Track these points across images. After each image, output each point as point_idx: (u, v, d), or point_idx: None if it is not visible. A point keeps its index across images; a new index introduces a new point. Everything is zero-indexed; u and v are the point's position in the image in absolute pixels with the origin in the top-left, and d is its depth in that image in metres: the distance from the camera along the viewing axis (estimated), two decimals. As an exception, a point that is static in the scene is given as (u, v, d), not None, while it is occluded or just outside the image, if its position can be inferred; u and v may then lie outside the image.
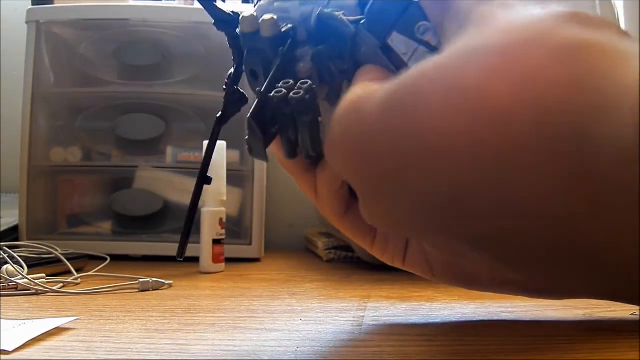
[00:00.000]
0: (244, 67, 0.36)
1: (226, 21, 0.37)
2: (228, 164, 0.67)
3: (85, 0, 0.82)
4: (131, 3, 0.84)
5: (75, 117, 0.80)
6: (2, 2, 1.01)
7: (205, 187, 0.66)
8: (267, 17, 0.33)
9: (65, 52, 0.80)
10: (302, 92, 0.30)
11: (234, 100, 0.39)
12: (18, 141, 0.78)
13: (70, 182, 0.80)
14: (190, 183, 0.76)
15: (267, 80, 0.31)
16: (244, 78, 0.37)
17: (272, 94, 0.30)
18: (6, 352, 0.30)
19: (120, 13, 0.79)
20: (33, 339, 0.32)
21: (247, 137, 0.31)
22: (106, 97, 0.79)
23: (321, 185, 0.35)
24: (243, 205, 0.78)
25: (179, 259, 0.40)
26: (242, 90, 0.39)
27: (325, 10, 0.33)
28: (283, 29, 0.33)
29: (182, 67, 0.80)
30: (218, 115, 0.39)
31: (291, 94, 0.30)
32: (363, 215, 0.29)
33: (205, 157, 0.41)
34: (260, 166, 0.77)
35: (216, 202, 0.66)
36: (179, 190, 0.78)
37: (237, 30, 0.35)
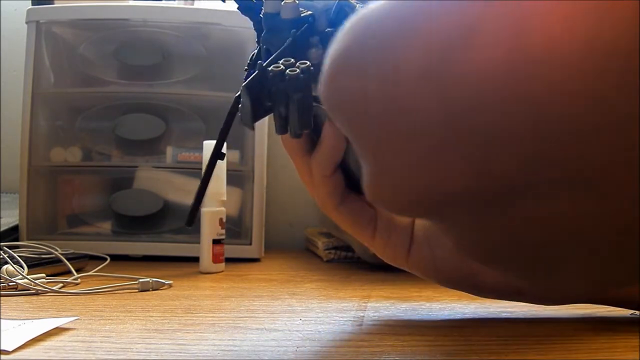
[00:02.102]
0: (260, 44, 0.36)
1: (250, 8, 0.37)
2: (228, 164, 0.67)
3: (85, 0, 0.82)
4: (131, 3, 0.84)
5: (75, 117, 0.80)
6: (2, 2, 1.01)
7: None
8: (289, 1, 0.34)
9: (65, 52, 0.80)
10: (298, 70, 0.30)
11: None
12: (18, 141, 0.78)
13: (70, 182, 0.80)
14: (190, 183, 0.76)
15: (272, 57, 0.32)
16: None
17: (270, 68, 0.31)
18: (6, 352, 0.30)
19: (120, 13, 0.79)
20: (33, 339, 0.32)
21: (240, 105, 0.32)
22: (106, 97, 0.79)
23: (315, 169, 0.35)
24: (243, 205, 0.78)
25: (187, 226, 0.41)
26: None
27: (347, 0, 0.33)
28: (303, 14, 0.34)
29: (182, 67, 0.80)
30: (236, 95, 0.40)
31: (287, 70, 0.31)
32: (367, 195, 0.25)
33: (220, 135, 0.42)
34: (260, 166, 0.77)
35: (216, 202, 0.66)
36: (179, 190, 0.78)
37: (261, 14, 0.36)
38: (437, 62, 0.19)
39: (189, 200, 0.77)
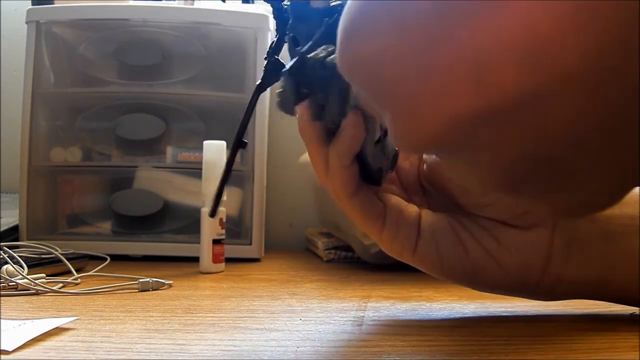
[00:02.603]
0: (287, 33, 0.36)
1: None
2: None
3: (85, 0, 0.82)
4: (131, 3, 0.84)
5: (75, 117, 0.80)
6: (2, 2, 1.01)
7: (205, 187, 0.66)
8: None
9: (65, 52, 0.80)
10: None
11: (274, 70, 0.39)
12: (18, 141, 0.78)
13: (70, 182, 0.80)
14: (190, 183, 0.76)
15: (309, 44, 0.32)
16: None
17: (310, 55, 0.30)
18: (6, 352, 0.30)
19: (120, 13, 0.79)
20: (33, 339, 0.32)
21: (279, 91, 0.32)
22: (106, 97, 0.79)
23: (333, 159, 0.35)
24: (243, 205, 0.78)
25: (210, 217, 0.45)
26: (282, 61, 0.39)
27: None
28: (332, 4, 0.33)
29: (182, 67, 0.80)
30: (257, 83, 0.40)
31: (328, 58, 0.30)
32: (395, 142, 0.25)
33: (242, 123, 0.42)
34: (260, 166, 0.77)
35: (216, 202, 0.66)
36: (179, 190, 0.78)
37: (284, 2, 0.36)
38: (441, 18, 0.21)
39: (189, 200, 0.77)
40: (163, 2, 0.85)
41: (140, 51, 0.78)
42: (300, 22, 0.35)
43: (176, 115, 0.79)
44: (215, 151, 0.66)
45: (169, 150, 0.78)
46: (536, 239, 0.36)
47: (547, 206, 0.26)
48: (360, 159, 0.35)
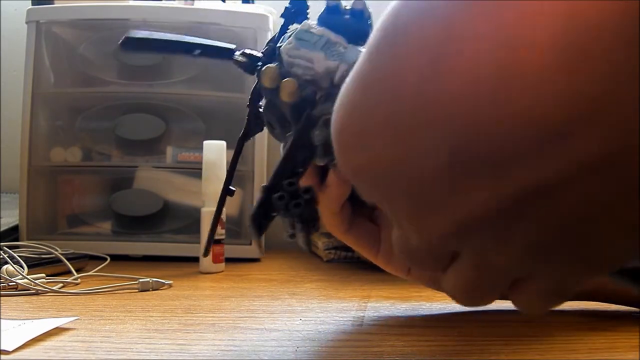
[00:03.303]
0: (263, 114, 0.37)
1: (246, 64, 0.37)
2: (228, 164, 0.67)
3: (85, 0, 0.82)
4: (131, 3, 0.84)
5: (75, 117, 0.80)
6: (2, 2, 1.01)
7: (205, 187, 0.66)
8: (288, 83, 0.33)
9: (65, 52, 0.80)
10: (302, 203, 0.31)
11: (257, 122, 0.40)
12: (18, 141, 0.78)
13: (70, 182, 0.80)
14: (190, 183, 0.76)
15: (272, 176, 0.33)
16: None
17: (275, 196, 0.32)
18: (6, 352, 0.30)
19: (120, 13, 0.79)
20: (33, 339, 0.32)
21: (249, 225, 0.33)
22: (106, 97, 0.79)
23: (323, 207, 0.36)
24: (243, 205, 0.78)
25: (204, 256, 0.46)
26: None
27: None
28: (303, 94, 0.33)
29: (182, 67, 0.80)
30: (241, 134, 0.41)
31: (291, 204, 0.31)
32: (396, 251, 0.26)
33: (228, 172, 0.43)
34: (260, 166, 0.77)
35: (216, 202, 0.66)
36: (179, 190, 0.78)
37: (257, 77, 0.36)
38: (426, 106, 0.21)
39: (189, 200, 0.77)
40: (163, 2, 0.85)
41: (140, 51, 0.78)
42: (272, 109, 0.35)
43: (176, 115, 0.79)
44: (215, 151, 0.66)
45: (169, 150, 0.78)
46: None
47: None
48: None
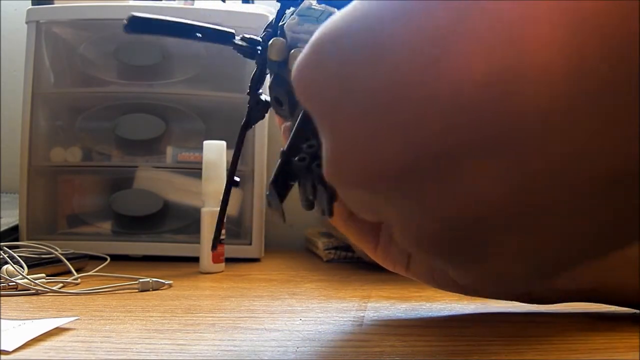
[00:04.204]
0: (269, 92, 0.36)
1: (245, 49, 0.37)
2: (228, 164, 0.67)
3: (85, 0, 0.82)
4: (131, 3, 0.84)
5: (75, 117, 0.80)
6: (2, 2, 1.01)
7: (205, 187, 0.66)
8: (296, 52, 0.33)
9: (65, 52, 0.80)
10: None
11: (258, 109, 0.40)
12: (18, 141, 0.78)
13: (70, 182, 0.80)
14: (190, 183, 0.76)
15: (290, 140, 0.32)
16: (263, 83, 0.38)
17: (295, 159, 0.31)
18: (6, 352, 0.30)
19: (120, 13, 0.78)
20: (33, 339, 0.32)
21: (267, 194, 0.33)
22: (106, 97, 0.79)
23: None
24: (243, 205, 0.78)
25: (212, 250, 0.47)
26: (265, 99, 0.39)
27: None
28: None
29: (182, 67, 0.80)
30: (242, 122, 0.40)
31: (314, 165, 0.30)
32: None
33: (232, 162, 0.43)
34: (260, 166, 0.77)
35: (216, 202, 0.66)
36: (179, 190, 0.78)
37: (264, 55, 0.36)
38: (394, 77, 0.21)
39: (189, 200, 0.77)
40: (163, 2, 0.85)
41: (140, 51, 0.78)
42: (280, 82, 0.35)
43: (176, 115, 0.79)
44: (215, 151, 0.66)
45: (169, 150, 0.78)
46: None
47: (467, 273, 0.26)
48: None
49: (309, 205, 0.32)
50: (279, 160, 0.32)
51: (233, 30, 0.39)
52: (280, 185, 0.32)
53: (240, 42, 0.37)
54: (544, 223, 0.22)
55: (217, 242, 0.48)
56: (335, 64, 0.22)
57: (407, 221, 0.24)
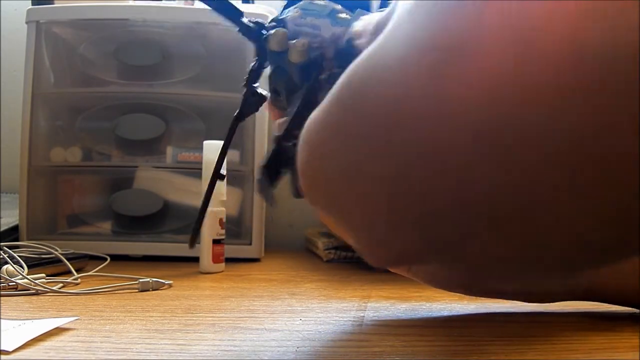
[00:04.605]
0: (268, 82, 0.36)
1: (251, 30, 0.37)
2: (228, 164, 0.67)
3: (85, 0, 0.82)
4: (131, 3, 0.84)
5: (75, 117, 0.80)
6: (2, 2, 1.01)
7: (205, 187, 0.66)
8: (298, 43, 0.33)
9: (65, 52, 0.80)
10: None
11: (253, 100, 0.39)
12: (18, 141, 0.78)
13: (70, 182, 0.80)
14: (190, 183, 0.76)
15: (285, 127, 0.32)
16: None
17: (289, 144, 0.31)
18: (6, 352, 0.30)
19: (120, 13, 0.79)
20: (33, 339, 0.32)
21: (258, 178, 0.33)
22: (106, 97, 0.79)
23: None
24: (243, 205, 0.78)
25: (190, 248, 0.45)
26: (260, 91, 0.39)
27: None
28: (311, 55, 0.33)
29: (182, 67, 0.80)
30: (236, 113, 0.40)
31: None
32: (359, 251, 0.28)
33: (220, 154, 0.43)
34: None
35: (216, 202, 0.66)
36: (179, 190, 0.78)
37: (266, 43, 0.36)
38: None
39: (189, 200, 0.77)
40: (163, 2, 0.85)
41: (140, 51, 0.78)
42: (279, 74, 0.35)
43: (176, 115, 0.79)
44: (215, 151, 0.66)
45: (169, 150, 0.78)
46: None
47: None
48: None
49: (298, 194, 0.32)
50: (272, 146, 0.32)
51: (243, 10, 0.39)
52: (271, 170, 0.32)
53: (248, 22, 0.37)
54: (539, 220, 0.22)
55: (195, 237, 0.46)
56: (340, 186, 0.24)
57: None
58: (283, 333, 0.35)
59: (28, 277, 0.49)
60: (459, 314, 0.41)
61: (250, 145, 0.77)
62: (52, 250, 0.60)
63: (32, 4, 0.83)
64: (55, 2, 0.84)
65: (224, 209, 0.66)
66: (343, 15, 0.33)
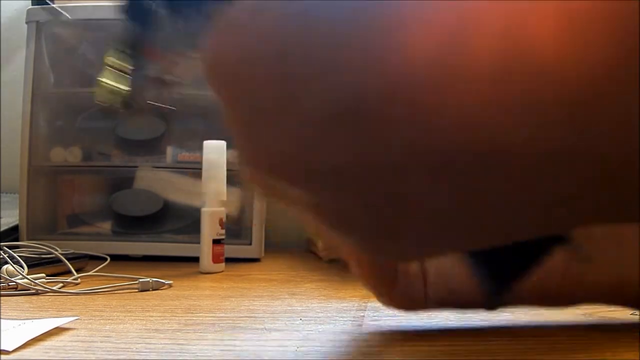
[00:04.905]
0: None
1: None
2: (228, 163, 0.67)
3: (85, 0, 0.82)
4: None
5: (75, 117, 0.80)
6: (2, 2, 1.01)
7: (205, 187, 0.66)
8: None
9: (65, 52, 0.80)
10: None
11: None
12: (18, 141, 0.78)
13: (70, 182, 0.80)
14: (191, 183, 0.76)
15: None
16: None
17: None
18: (6, 352, 0.30)
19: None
20: (33, 339, 0.32)
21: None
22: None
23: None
24: (243, 205, 0.78)
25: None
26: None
27: None
28: None
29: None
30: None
31: None
32: (240, 158, 0.24)
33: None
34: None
35: (216, 202, 0.66)
36: (179, 190, 0.78)
37: None
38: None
39: (189, 200, 0.77)
40: (163, 2, 0.85)
41: (140, 51, 0.78)
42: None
43: (176, 115, 0.79)
44: (215, 151, 0.66)
45: (169, 150, 0.78)
46: None
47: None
48: None
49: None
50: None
51: None
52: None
53: None
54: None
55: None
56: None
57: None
58: (283, 333, 0.35)
59: (28, 277, 0.49)
60: (459, 314, 0.41)
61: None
62: (52, 250, 0.61)
63: (32, 4, 0.83)
64: (55, 2, 0.84)
65: (224, 209, 0.66)
66: None
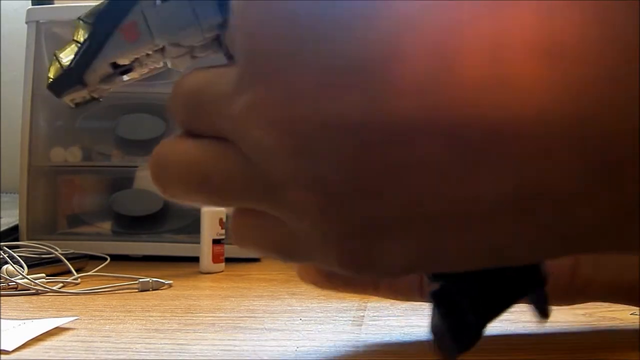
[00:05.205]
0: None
1: None
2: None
3: (85, 0, 0.82)
4: (131, 3, 0.84)
5: (75, 117, 0.80)
6: (2, 2, 1.01)
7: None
8: None
9: (65, 52, 0.80)
10: None
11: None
12: (18, 141, 0.78)
13: (70, 182, 0.80)
14: (190, 183, 0.76)
15: None
16: None
17: None
18: (6, 352, 0.30)
19: (120, 13, 0.79)
20: (33, 339, 0.32)
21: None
22: (106, 97, 0.79)
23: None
24: (243, 205, 0.78)
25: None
26: None
27: None
28: None
29: (182, 67, 0.80)
30: None
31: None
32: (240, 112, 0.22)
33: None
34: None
35: (216, 202, 0.66)
36: (179, 190, 0.78)
37: None
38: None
39: (189, 200, 0.77)
40: (163, 2, 0.85)
41: (140, 51, 0.78)
42: None
43: (176, 115, 0.79)
44: (215, 151, 0.66)
45: (169, 150, 0.78)
46: None
47: None
48: None
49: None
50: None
51: None
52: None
53: None
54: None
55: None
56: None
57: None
58: (283, 333, 0.35)
59: (28, 277, 0.49)
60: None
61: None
62: (52, 250, 0.61)
63: (32, 4, 0.83)
64: (55, 2, 0.84)
65: (224, 209, 0.66)
66: None
